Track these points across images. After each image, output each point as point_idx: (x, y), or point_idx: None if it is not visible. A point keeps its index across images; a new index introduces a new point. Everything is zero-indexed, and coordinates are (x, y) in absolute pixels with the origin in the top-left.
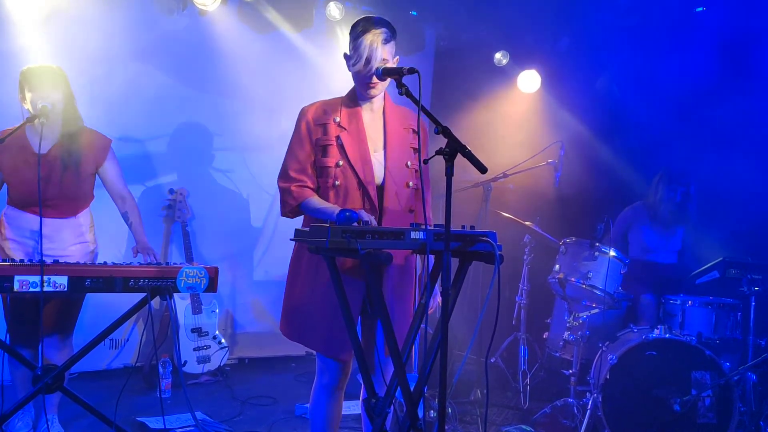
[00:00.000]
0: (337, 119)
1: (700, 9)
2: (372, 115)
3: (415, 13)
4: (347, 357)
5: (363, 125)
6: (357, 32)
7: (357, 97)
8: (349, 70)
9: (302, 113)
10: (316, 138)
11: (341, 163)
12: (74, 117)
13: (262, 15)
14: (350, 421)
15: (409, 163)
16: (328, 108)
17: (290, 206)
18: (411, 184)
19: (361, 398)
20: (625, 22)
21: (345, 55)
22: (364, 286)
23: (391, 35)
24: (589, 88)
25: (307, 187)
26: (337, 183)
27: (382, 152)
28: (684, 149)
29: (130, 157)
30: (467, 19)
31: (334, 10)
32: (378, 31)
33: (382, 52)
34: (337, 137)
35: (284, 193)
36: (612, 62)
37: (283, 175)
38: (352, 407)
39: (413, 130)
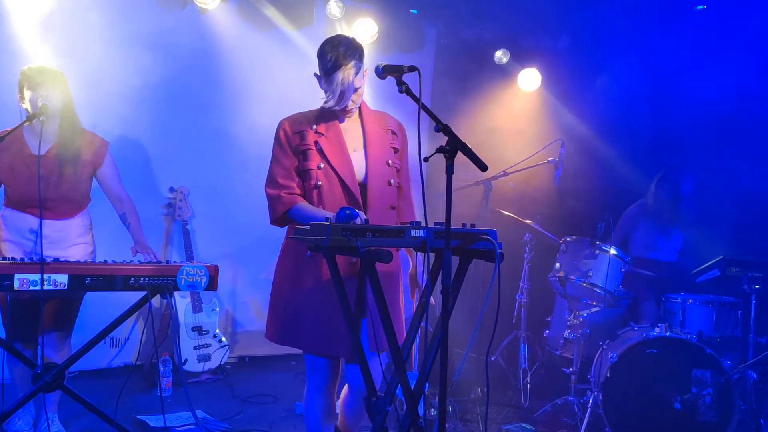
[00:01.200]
0: (314, 127)
1: (701, 7)
2: (349, 120)
3: (415, 11)
4: (337, 353)
5: (340, 130)
6: (327, 65)
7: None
8: (321, 91)
9: (280, 125)
10: (295, 144)
11: (322, 165)
12: (72, 119)
13: (262, 13)
14: None
15: (390, 161)
16: (304, 118)
17: (280, 212)
18: (392, 182)
19: (342, 396)
20: (626, 21)
21: (316, 74)
22: (356, 286)
23: (361, 62)
24: (590, 87)
25: (296, 193)
26: (319, 184)
27: (362, 151)
28: (685, 148)
29: (130, 156)
30: (468, 18)
31: (334, 8)
32: (348, 65)
33: (354, 83)
34: (315, 142)
35: (274, 200)
36: (612, 61)
37: (271, 183)
38: None
39: (392, 132)
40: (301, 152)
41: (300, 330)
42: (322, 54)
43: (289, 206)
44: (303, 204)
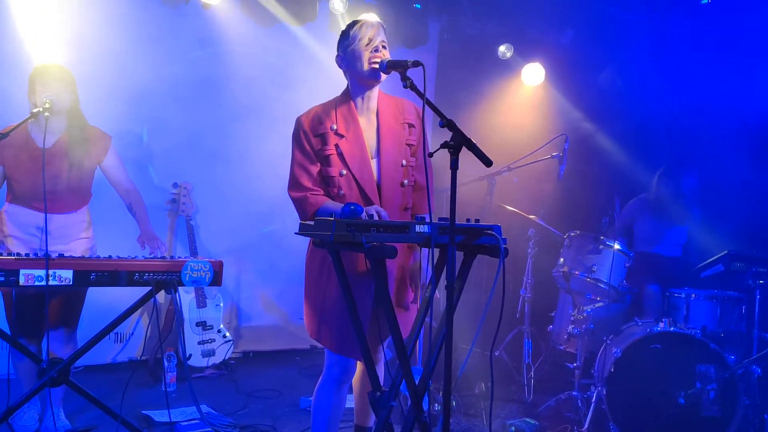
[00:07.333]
0: (334, 127)
1: (706, 1)
2: (368, 115)
3: (419, 6)
4: (358, 356)
5: (360, 129)
6: (351, 29)
7: (351, 95)
8: (343, 66)
9: (298, 124)
10: (316, 149)
11: (344, 172)
12: (78, 115)
13: (265, 8)
14: (351, 414)
15: (404, 162)
16: (323, 115)
17: (310, 213)
18: (405, 182)
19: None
20: (630, 15)
21: (338, 56)
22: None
23: (383, 27)
24: (594, 81)
25: (321, 194)
26: (342, 193)
27: (377, 159)
28: (689, 142)
29: (133, 151)
30: (471, 12)
31: (337, 4)
32: (373, 21)
33: (382, 35)
34: (336, 146)
35: (301, 202)
36: (616, 55)
37: (295, 185)
38: (352, 401)
39: (408, 125)
40: (323, 158)
41: (327, 328)
42: (347, 28)
43: (317, 206)
44: (328, 202)
